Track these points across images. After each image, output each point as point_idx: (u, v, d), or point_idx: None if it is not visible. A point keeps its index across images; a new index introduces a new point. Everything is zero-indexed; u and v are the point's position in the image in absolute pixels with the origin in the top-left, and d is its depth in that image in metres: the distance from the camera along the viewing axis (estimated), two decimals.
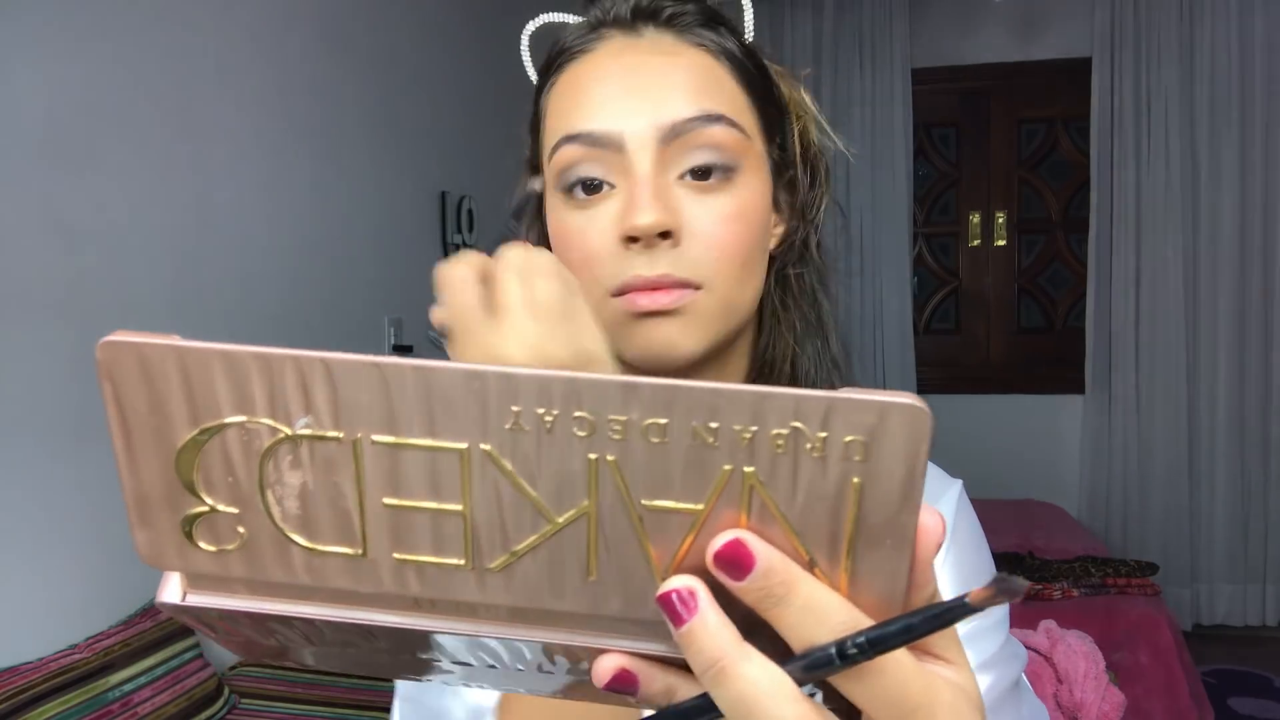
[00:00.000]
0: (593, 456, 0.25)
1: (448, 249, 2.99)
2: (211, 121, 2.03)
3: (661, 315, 0.54)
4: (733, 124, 0.55)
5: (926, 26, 3.76)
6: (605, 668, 0.27)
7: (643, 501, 0.25)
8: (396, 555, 0.26)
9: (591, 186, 0.55)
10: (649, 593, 0.26)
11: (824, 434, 0.24)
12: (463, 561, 0.26)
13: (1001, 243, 3.85)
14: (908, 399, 0.23)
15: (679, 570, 0.26)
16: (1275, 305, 3.46)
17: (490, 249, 0.55)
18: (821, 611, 0.25)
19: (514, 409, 0.24)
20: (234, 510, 0.26)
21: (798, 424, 0.24)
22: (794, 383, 0.61)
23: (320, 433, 0.25)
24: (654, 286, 0.54)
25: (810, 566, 0.26)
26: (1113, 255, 3.57)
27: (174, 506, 0.26)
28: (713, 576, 0.26)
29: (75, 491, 1.68)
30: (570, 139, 0.55)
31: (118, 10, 1.78)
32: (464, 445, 0.25)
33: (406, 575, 0.26)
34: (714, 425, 0.24)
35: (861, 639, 0.25)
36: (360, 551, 0.26)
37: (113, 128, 1.78)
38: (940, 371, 3.89)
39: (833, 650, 0.25)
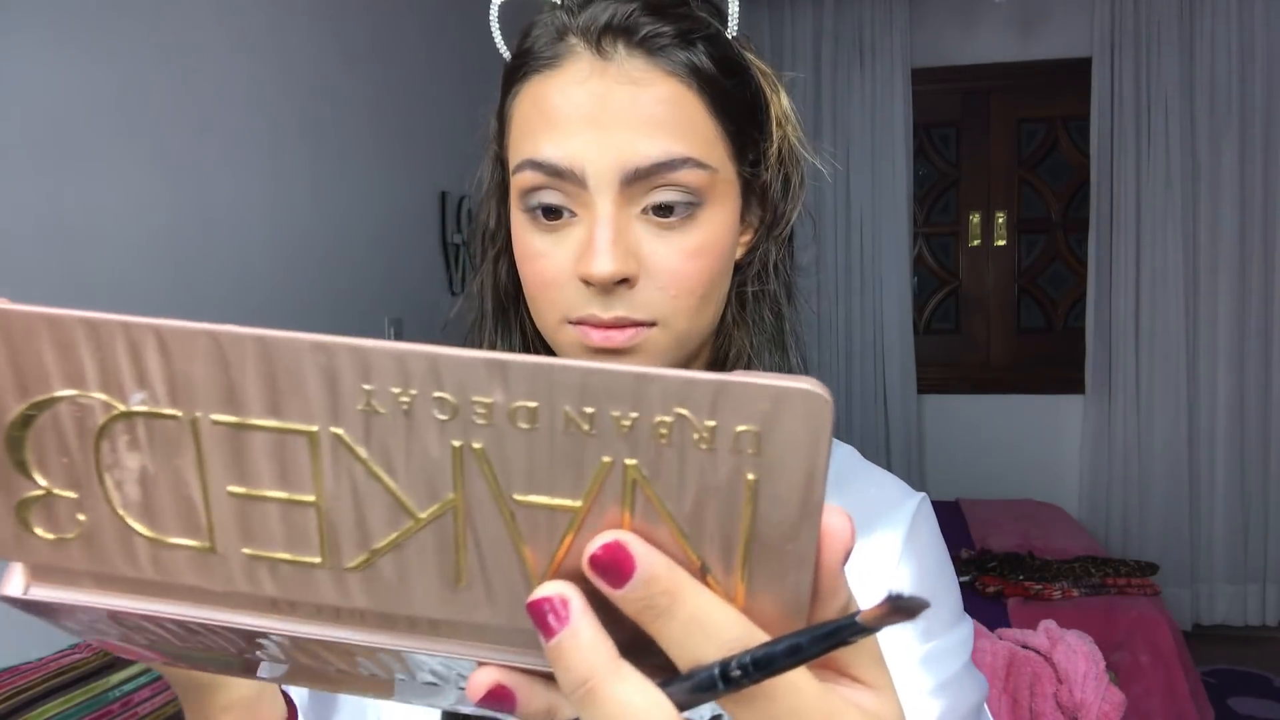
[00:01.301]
0: (457, 444, 0.22)
1: (448, 249, 2.99)
2: (211, 121, 2.03)
3: (614, 353, 0.54)
4: (699, 164, 0.53)
5: (926, 26, 3.76)
6: (479, 683, 0.24)
7: (515, 496, 0.23)
8: (247, 550, 0.24)
9: (552, 211, 0.54)
10: (523, 597, 0.23)
11: (712, 422, 0.21)
12: (319, 560, 0.24)
13: (1001, 243, 3.85)
14: (805, 384, 0.21)
15: (557, 575, 0.23)
16: (1275, 305, 3.46)
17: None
18: (710, 626, 0.22)
19: (366, 388, 0.22)
20: (71, 494, 0.24)
21: (682, 410, 0.21)
22: None
23: (156, 410, 0.22)
24: (608, 327, 0.53)
25: (702, 574, 0.23)
26: (1113, 255, 3.57)
27: (7, 489, 0.24)
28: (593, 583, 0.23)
29: None
30: (533, 165, 0.54)
31: (118, 10, 1.78)
32: (314, 428, 0.22)
33: (259, 573, 0.24)
34: (590, 411, 0.22)
35: (746, 659, 0.22)
36: (208, 545, 0.24)
37: (113, 128, 1.78)
38: (940, 371, 3.89)
39: (716, 672, 0.22)
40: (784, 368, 0.62)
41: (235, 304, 2.08)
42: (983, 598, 2.43)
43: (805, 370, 0.64)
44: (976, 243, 3.88)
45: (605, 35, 0.53)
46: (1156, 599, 2.41)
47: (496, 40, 0.62)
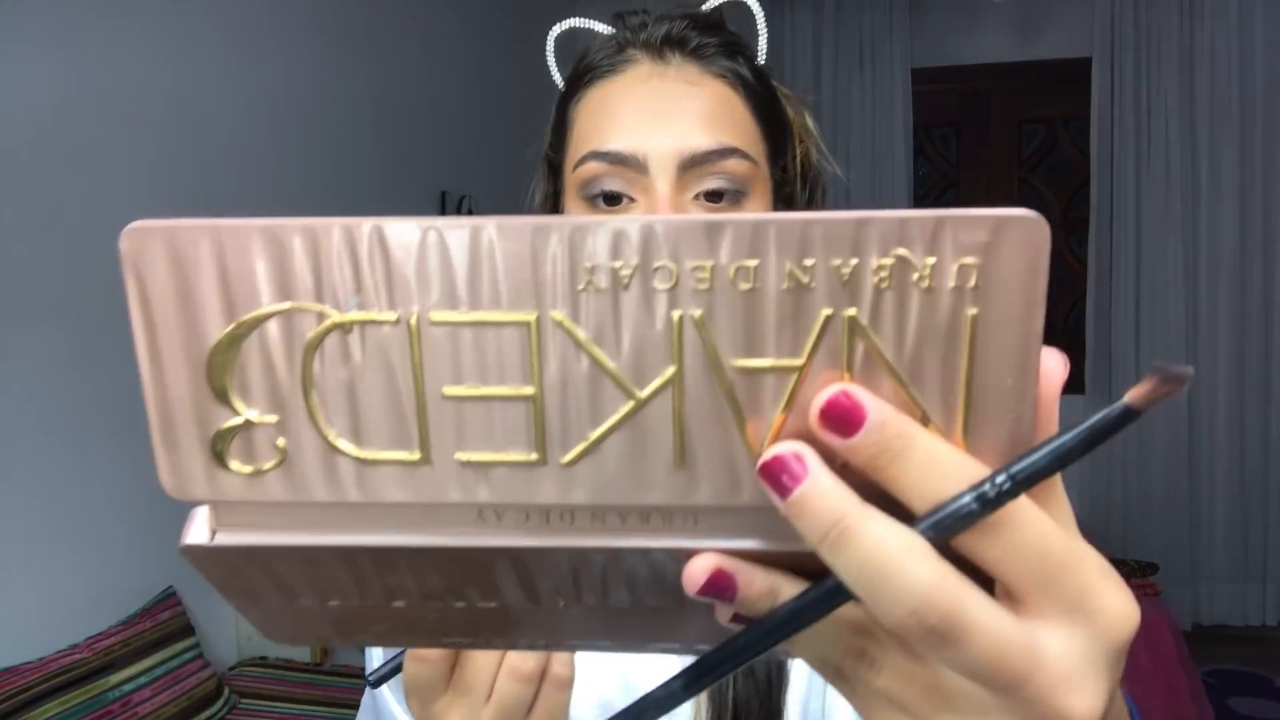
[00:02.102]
0: (676, 314, 0.22)
1: None
2: (212, 121, 2.03)
3: None
4: (745, 156, 0.60)
5: (926, 26, 3.76)
6: (698, 569, 0.24)
7: (734, 363, 0.22)
8: (459, 456, 0.23)
9: (612, 198, 0.60)
10: (745, 472, 0.23)
11: (932, 259, 0.21)
12: (535, 456, 0.23)
13: None
14: (1019, 211, 0.21)
15: (778, 440, 0.23)
16: (1275, 305, 3.46)
17: None
18: (945, 464, 0.22)
19: (586, 265, 0.21)
20: (273, 419, 0.23)
21: (902, 251, 0.21)
22: None
23: (372, 315, 0.22)
24: None
25: (924, 421, 0.22)
26: (1113, 255, 3.57)
27: (203, 421, 0.23)
28: (818, 444, 0.22)
29: (75, 491, 1.68)
30: (597, 155, 0.60)
31: (118, 10, 1.78)
32: (533, 315, 0.22)
33: (472, 479, 0.23)
34: (809, 263, 0.21)
35: (1003, 476, 0.21)
36: (419, 456, 0.23)
37: (113, 127, 1.78)
38: None
39: (969, 498, 0.22)
40: None
41: None
42: None
43: None
44: None
45: (665, 45, 0.61)
46: (1156, 599, 2.41)
47: (551, 66, 0.69)
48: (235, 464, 0.23)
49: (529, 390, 0.22)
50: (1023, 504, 0.22)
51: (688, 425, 0.23)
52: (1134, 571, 2.47)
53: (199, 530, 0.24)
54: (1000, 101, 3.82)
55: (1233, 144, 3.42)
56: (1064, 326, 3.85)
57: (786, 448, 0.22)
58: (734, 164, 0.59)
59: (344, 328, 0.22)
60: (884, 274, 0.21)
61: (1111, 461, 3.59)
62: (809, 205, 0.69)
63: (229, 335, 0.22)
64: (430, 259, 0.22)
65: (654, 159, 0.58)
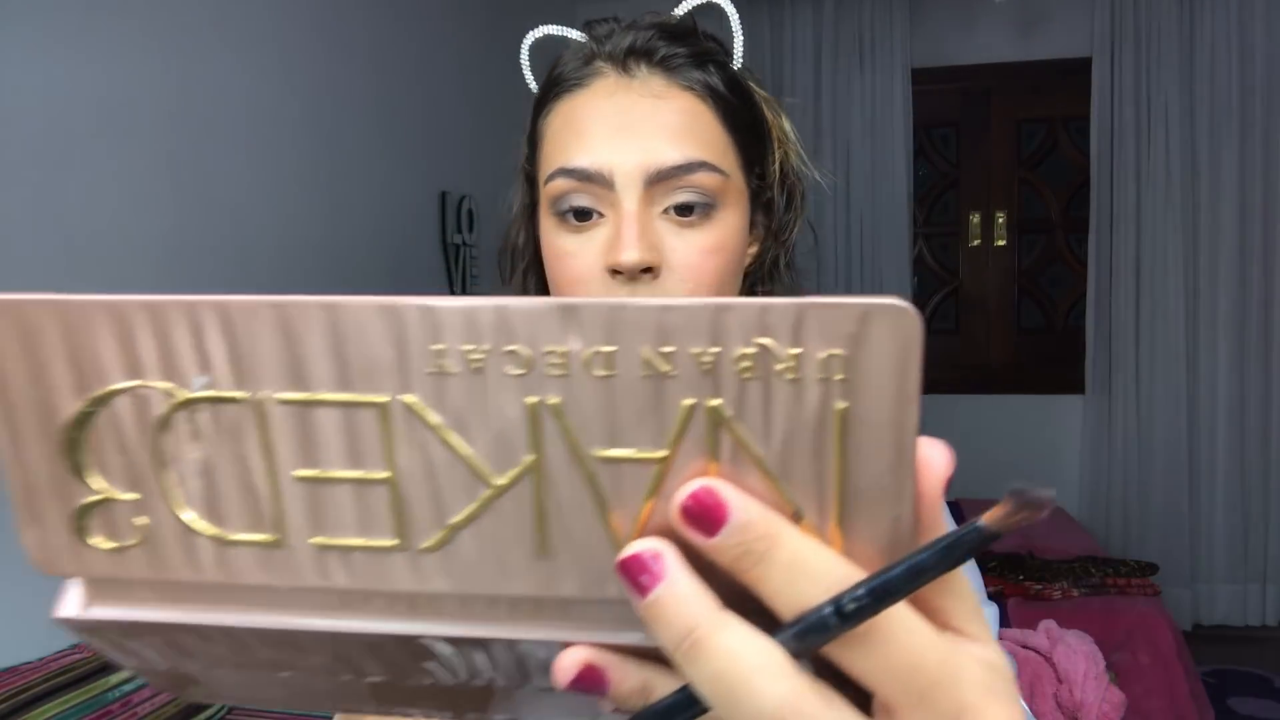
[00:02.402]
0: (532, 400, 0.21)
1: (448, 249, 2.99)
2: (211, 121, 2.03)
3: None
4: (714, 169, 0.59)
5: (926, 26, 3.76)
6: (568, 664, 0.23)
7: (595, 452, 0.21)
8: (315, 540, 0.22)
9: (582, 214, 0.60)
10: (611, 565, 0.22)
11: (797, 350, 0.20)
12: (394, 542, 0.22)
13: (1001, 243, 3.85)
14: (890, 300, 0.20)
15: (644, 534, 0.22)
16: (1275, 305, 3.46)
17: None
18: (813, 569, 0.21)
19: (436, 348, 0.21)
20: (134, 497, 0.22)
21: (765, 340, 0.20)
22: None
23: (220, 394, 0.21)
24: None
25: (796, 518, 0.22)
26: (1113, 255, 3.57)
27: (65, 498, 0.22)
28: (683, 540, 0.22)
29: None
30: (565, 172, 0.60)
31: (118, 11, 1.78)
32: (384, 398, 0.21)
33: (329, 564, 0.22)
34: (668, 350, 0.20)
35: (861, 591, 0.21)
36: (275, 538, 0.22)
37: (113, 128, 1.78)
38: (940, 371, 3.89)
39: (829, 610, 0.21)
40: None
41: None
42: None
43: None
44: (976, 243, 3.88)
45: (630, 57, 0.61)
46: (1156, 599, 2.41)
47: (526, 74, 0.69)
48: (99, 540, 0.23)
49: (383, 475, 0.22)
50: (895, 615, 0.21)
51: (549, 515, 0.22)
52: (1134, 571, 2.47)
53: (71, 603, 0.24)
54: (1000, 101, 3.82)
55: (1233, 144, 3.42)
56: (1064, 326, 3.85)
57: (646, 546, 0.22)
58: (702, 177, 0.59)
59: (193, 406, 0.22)
60: (746, 364, 0.20)
61: (1111, 461, 3.59)
62: (787, 211, 0.69)
63: (81, 413, 0.22)
64: (278, 337, 0.21)
65: (619, 175, 0.58)
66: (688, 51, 0.61)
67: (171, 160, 1.92)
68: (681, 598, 0.21)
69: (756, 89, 0.67)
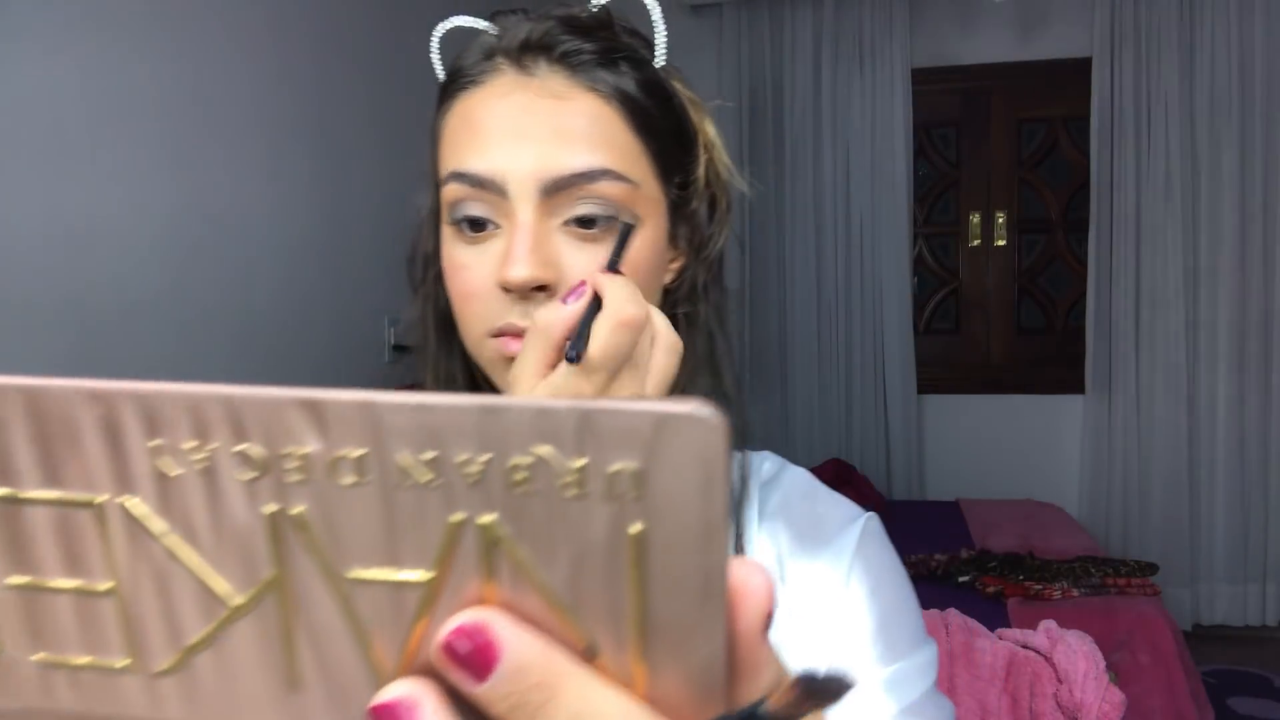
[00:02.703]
0: (271, 509, 0.18)
1: None
2: (211, 121, 2.03)
3: None
4: (618, 177, 0.54)
5: (926, 26, 3.76)
6: None
7: (349, 573, 0.19)
8: (37, 656, 0.20)
9: (477, 224, 0.55)
10: (368, 702, 0.19)
11: (581, 461, 0.17)
12: (125, 662, 0.20)
13: (1001, 243, 3.85)
14: (690, 406, 0.17)
15: (411, 668, 0.19)
16: (1275, 305, 3.46)
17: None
18: None
19: (154, 444, 0.18)
20: None
21: (543, 450, 0.17)
22: None
23: None
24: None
25: (589, 654, 0.19)
26: (1113, 255, 3.57)
27: None
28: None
29: None
30: (458, 177, 0.55)
31: (118, 10, 1.78)
32: (100, 498, 0.19)
33: (55, 683, 0.20)
34: (430, 457, 0.18)
35: None
36: None
37: (113, 128, 1.78)
38: (940, 371, 3.89)
39: None
40: (718, 391, 0.60)
41: (235, 303, 2.08)
42: (983, 598, 2.43)
43: (740, 392, 0.63)
44: (976, 243, 3.88)
45: (526, 52, 0.55)
46: (1156, 599, 2.41)
47: (436, 67, 0.63)
48: None
49: (106, 586, 0.19)
50: None
51: (299, 642, 0.19)
52: (1134, 571, 2.47)
53: None
54: (1000, 101, 3.82)
55: (1233, 144, 3.42)
56: (1064, 326, 3.85)
57: (402, 693, 0.18)
58: (605, 186, 0.54)
59: None
60: (522, 475, 0.18)
61: (1111, 461, 3.59)
62: (711, 222, 0.63)
63: None
64: None
65: (513, 183, 0.53)
66: (594, 48, 0.56)
67: (173, 160, 1.92)
68: None
69: (683, 89, 0.62)
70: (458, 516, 0.18)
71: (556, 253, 0.54)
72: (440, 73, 0.63)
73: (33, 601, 0.20)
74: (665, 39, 0.60)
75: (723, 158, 0.64)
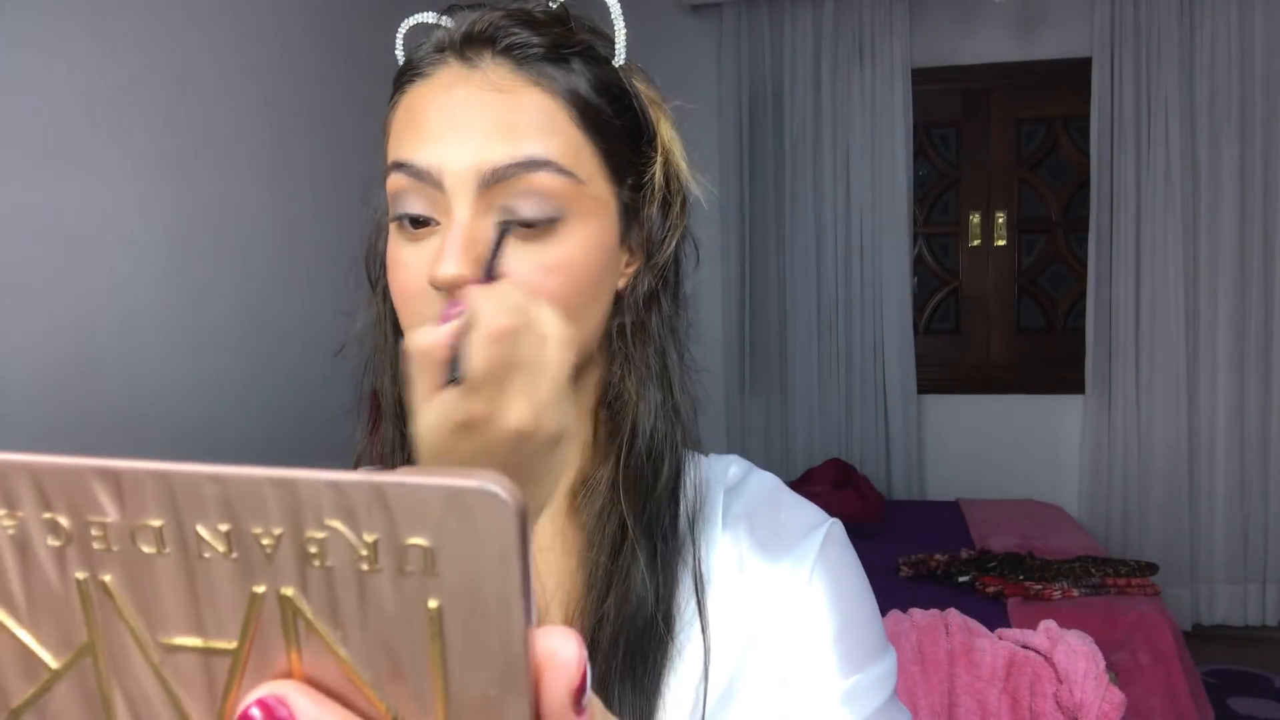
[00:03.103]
0: (81, 576, 0.19)
1: None
2: (211, 121, 2.03)
3: None
4: (560, 170, 0.52)
5: (926, 26, 3.76)
6: None
7: (160, 640, 0.19)
8: None
9: (418, 221, 0.54)
10: None
11: (372, 536, 0.18)
12: None
13: (1001, 243, 3.85)
14: (478, 481, 0.17)
15: None
16: (1275, 305, 3.46)
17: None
18: None
19: None
20: None
21: (335, 524, 0.18)
22: (632, 438, 0.57)
23: None
24: None
25: None
26: (1113, 255, 3.57)
27: None
28: None
29: None
30: (398, 166, 0.54)
31: (118, 10, 1.78)
32: None
33: None
34: (225, 529, 0.18)
35: None
36: None
37: (113, 127, 1.78)
38: (940, 371, 3.89)
39: None
40: (667, 407, 0.59)
41: (235, 303, 2.08)
42: (983, 598, 2.43)
43: (693, 411, 0.61)
44: (976, 243, 3.88)
45: (469, 44, 0.54)
46: (1156, 599, 2.41)
47: (400, 62, 0.62)
48: None
49: None
50: None
51: (117, 707, 0.19)
52: (1134, 571, 2.47)
53: None
54: (1000, 101, 3.82)
55: (1233, 144, 3.42)
56: (1064, 326, 3.85)
57: None
58: (545, 179, 0.52)
59: None
60: (316, 549, 0.18)
61: (1111, 461, 3.59)
62: (664, 225, 0.60)
63: None
64: None
65: (449, 176, 0.52)
66: (542, 43, 0.54)
67: (171, 160, 1.92)
68: None
69: (644, 88, 0.60)
70: (259, 588, 0.18)
71: (489, 250, 0.52)
72: None
73: None
74: (625, 36, 0.58)
75: (679, 160, 0.61)
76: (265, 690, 0.19)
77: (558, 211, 0.53)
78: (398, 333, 0.60)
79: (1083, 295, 3.70)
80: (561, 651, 0.20)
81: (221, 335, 2.03)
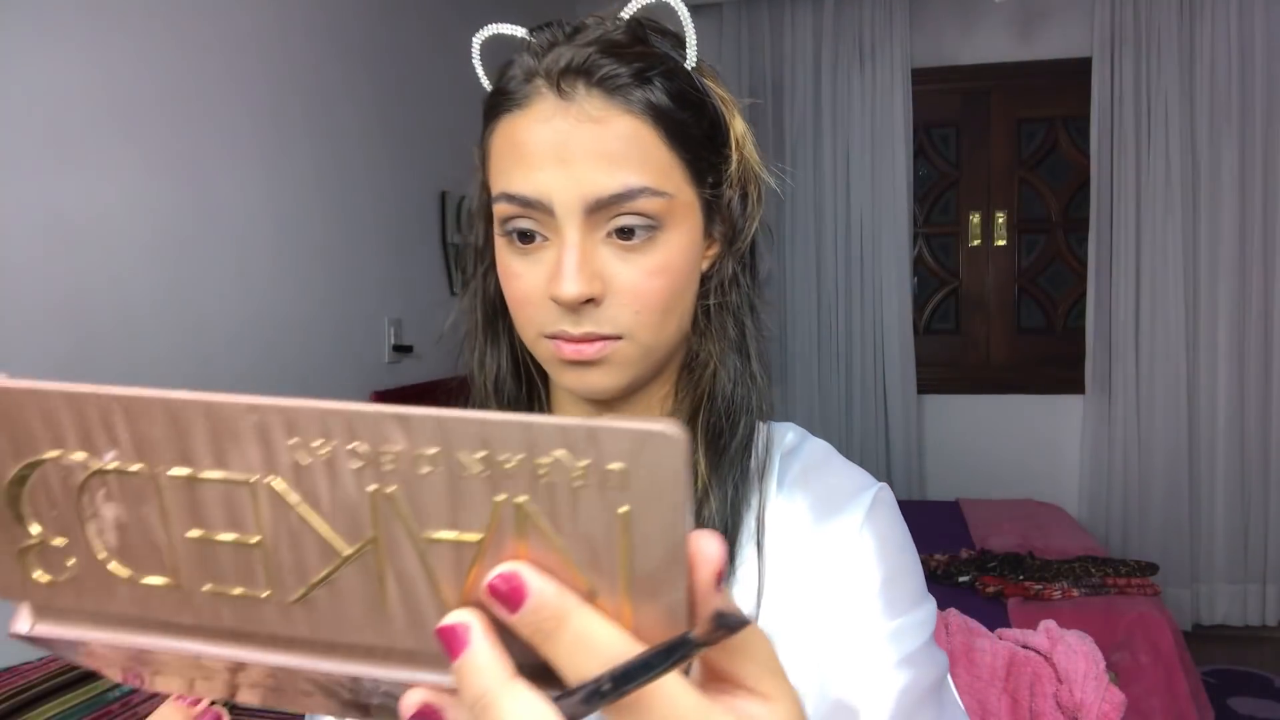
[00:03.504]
0: (372, 488, 0.25)
1: (448, 249, 2.99)
2: (211, 121, 2.03)
3: (586, 364, 0.61)
4: (655, 193, 0.59)
5: (926, 26, 3.76)
6: (409, 702, 0.27)
7: (424, 534, 0.26)
8: (206, 587, 0.27)
9: (527, 236, 0.61)
10: (436, 626, 0.26)
11: (585, 462, 0.24)
12: (266, 593, 0.27)
13: (1001, 243, 3.85)
14: (661, 426, 0.24)
15: (466, 601, 0.26)
16: (1275, 305, 3.46)
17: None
18: (593, 644, 0.25)
19: (292, 442, 0.25)
20: (61, 541, 0.27)
21: (560, 453, 0.24)
22: (712, 399, 0.66)
23: (124, 467, 0.26)
24: (578, 341, 0.60)
25: (591, 596, 0.26)
26: (1113, 255, 3.57)
27: (11, 539, 0.28)
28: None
29: None
30: (507, 198, 0.60)
31: (118, 10, 1.78)
32: (253, 478, 0.26)
33: (218, 607, 0.27)
34: (481, 455, 0.25)
35: (610, 675, 0.25)
36: (174, 582, 0.27)
37: (113, 127, 1.78)
38: (940, 371, 3.89)
39: (591, 688, 0.25)
40: (745, 373, 0.67)
41: (235, 303, 2.08)
42: (983, 598, 2.43)
43: (767, 373, 0.69)
44: (976, 243, 3.88)
45: (565, 77, 0.59)
46: (1156, 599, 2.41)
47: (479, 73, 0.67)
48: (38, 574, 0.28)
49: (256, 539, 0.26)
50: (662, 685, 0.25)
51: (389, 582, 0.26)
52: (1134, 571, 2.47)
53: (22, 621, 0.29)
54: (1000, 101, 3.82)
55: (1233, 144, 3.42)
56: (1064, 326, 3.85)
57: (458, 619, 0.26)
58: (643, 202, 0.59)
59: (104, 475, 0.26)
60: (545, 470, 0.25)
61: (1111, 461, 3.59)
62: (743, 214, 0.68)
63: (18, 474, 0.27)
64: (169, 425, 0.26)
65: (559, 205, 0.59)
66: (629, 71, 0.59)
67: (171, 160, 1.92)
68: (479, 666, 0.25)
69: (715, 87, 0.66)
70: (501, 496, 0.25)
71: (602, 264, 0.60)
72: (484, 79, 0.66)
73: (204, 549, 0.27)
74: (695, 39, 0.64)
75: (752, 152, 0.68)
76: (504, 567, 0.25)
77: (656, 224, 0.60)
78: (487, 321, 0.70)
79: (1083, 295, 3.70)
80: (708, 546, 0.26)
81: (220, 335, 2.03)
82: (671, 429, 0.24)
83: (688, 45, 0.64)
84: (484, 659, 0.25)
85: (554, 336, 0.61)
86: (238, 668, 0.29)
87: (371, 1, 2.62)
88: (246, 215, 2.13)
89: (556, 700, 0.25)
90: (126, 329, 1.79)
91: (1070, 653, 1.31)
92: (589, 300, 0.59)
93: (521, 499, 0.25)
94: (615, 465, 0.24)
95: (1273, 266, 3.45)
